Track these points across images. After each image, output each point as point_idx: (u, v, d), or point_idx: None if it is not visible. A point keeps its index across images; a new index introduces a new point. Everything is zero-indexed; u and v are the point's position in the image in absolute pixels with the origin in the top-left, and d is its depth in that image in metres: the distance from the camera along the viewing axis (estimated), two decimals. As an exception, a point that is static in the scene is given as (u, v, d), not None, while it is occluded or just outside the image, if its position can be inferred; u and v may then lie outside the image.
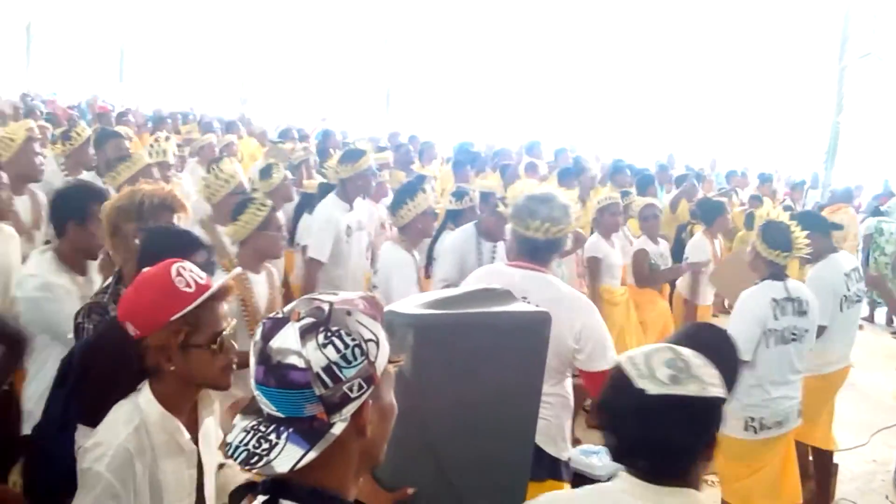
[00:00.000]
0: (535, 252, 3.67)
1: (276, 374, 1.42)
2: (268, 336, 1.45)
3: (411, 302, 2.46)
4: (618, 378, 1.94)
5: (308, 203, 7.03)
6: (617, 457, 2.00)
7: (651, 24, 23.44)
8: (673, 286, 7.83)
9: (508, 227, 3.95)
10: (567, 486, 3.60)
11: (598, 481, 3.98)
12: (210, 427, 2.44)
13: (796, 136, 22.14)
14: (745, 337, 4.40)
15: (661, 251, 7.32)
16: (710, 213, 7.60)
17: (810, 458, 5.57)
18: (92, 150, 6.67)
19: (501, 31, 25.50)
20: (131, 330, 2.23)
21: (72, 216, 3.70)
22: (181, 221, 3.56)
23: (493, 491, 2.55)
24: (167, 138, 8.03)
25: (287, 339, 1.43)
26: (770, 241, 4.62)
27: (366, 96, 28.40)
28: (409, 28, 26.77)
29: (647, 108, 24.64)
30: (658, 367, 1.90)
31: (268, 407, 1.45)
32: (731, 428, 4.41)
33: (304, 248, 6.45)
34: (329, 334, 1.43)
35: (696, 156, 18.76)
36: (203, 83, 29.26)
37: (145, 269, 2.31)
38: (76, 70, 29.27)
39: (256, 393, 1.47)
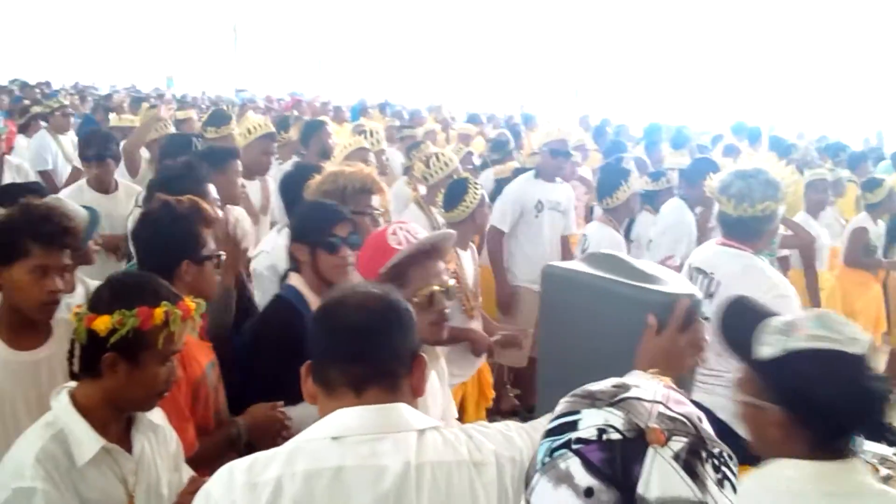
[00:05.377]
0: (731, 229, 3.55)
1: None
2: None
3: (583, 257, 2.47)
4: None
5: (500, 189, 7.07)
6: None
7: None
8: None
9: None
10: None
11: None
12: (433, 381, 2.49)
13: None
14: None
15: (880, 232, 6.76)
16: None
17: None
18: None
19: (691, 12, 24.79)
20: None
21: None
22: (380, 203, 3.72)
23: None
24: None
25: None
26: None
27: (555, 84, 28.36)
28: (599, 15, 26.48)
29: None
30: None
31: None
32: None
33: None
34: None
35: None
36: (396, 75, 30.13)
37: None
38: (279, 64, 31.03)
39: None
